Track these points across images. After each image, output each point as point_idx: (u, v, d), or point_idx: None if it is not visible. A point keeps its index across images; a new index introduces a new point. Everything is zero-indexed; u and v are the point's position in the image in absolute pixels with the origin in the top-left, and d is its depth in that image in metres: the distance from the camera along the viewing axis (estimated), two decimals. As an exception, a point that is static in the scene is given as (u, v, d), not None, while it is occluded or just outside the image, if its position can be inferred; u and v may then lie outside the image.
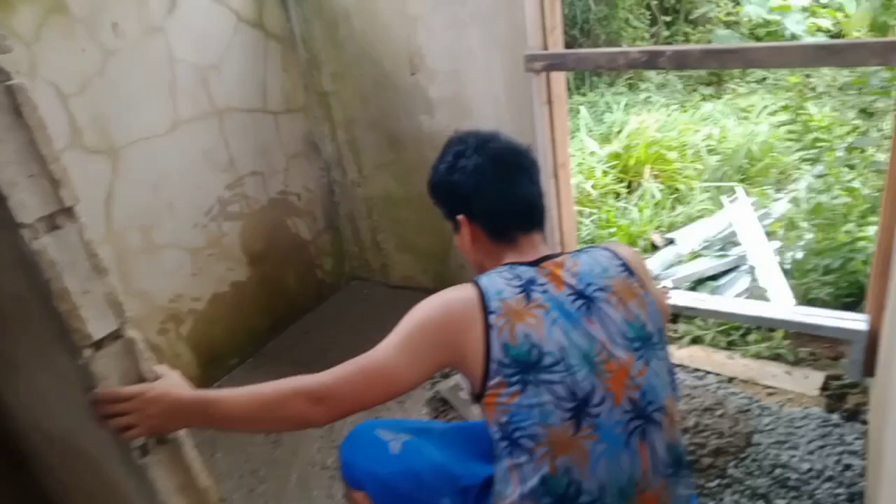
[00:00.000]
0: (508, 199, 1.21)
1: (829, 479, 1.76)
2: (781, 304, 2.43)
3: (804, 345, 2.30)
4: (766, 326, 2.32)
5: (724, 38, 4.86)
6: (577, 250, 1.22)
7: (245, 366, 2.68)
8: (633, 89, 5.45)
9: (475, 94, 2.39)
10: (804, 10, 4.51)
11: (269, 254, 2.75)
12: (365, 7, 2.48)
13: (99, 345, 1.04)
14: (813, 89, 3.76)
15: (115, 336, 1.06)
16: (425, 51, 2.42)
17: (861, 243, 2.57)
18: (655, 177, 3.81)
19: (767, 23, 4.71)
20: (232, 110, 2.50)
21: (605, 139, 4.29)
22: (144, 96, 2.19)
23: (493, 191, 1.21)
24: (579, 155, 3.99)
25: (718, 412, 1.99)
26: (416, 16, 2.37)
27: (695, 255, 3.04)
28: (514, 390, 1.05)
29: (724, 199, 3.39)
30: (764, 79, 5.38)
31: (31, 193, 0.95)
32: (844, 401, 2.04)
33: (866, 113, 3.79)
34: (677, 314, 2.46)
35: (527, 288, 1.10)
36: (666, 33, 6.06)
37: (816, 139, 2.80)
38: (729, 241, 3.09)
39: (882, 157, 3.20)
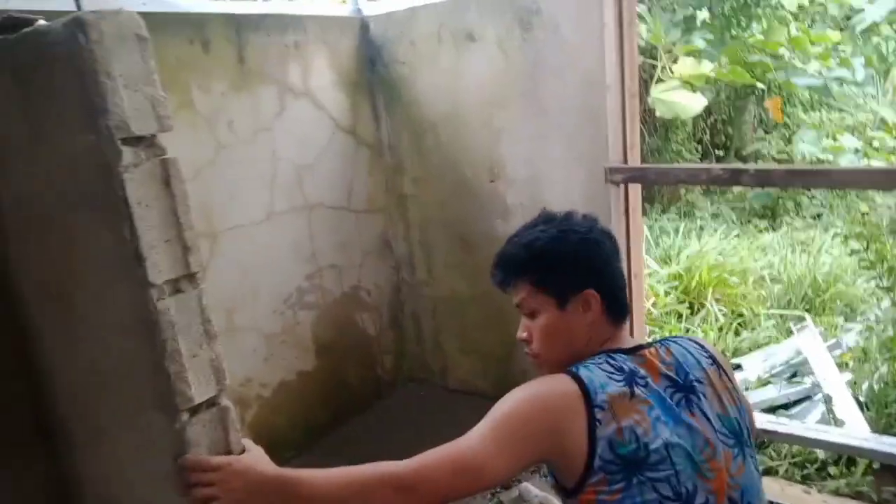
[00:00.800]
0: (625, 278, 1.23)
1: None
2: (867, 433, 2.31)
3: (887, 483, 2.16)
4: (850, 455, 2.19)
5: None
6: (665, 339, 1.20)
7: (299, 460, 2.63)
8: (687, 216, 5.56)
9: (552, 201, 2.48)
10: (856, 151, 4.64)
11: (336, 346, 2.79)
12: (452, 119, 2.68)
13: (196, 409, 1.05)
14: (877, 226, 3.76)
15: (212, 403, 1.08)
16: (506, 160, 2.57)
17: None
18: (717, 300, 3.79)
19: (820, 161, 4.83)
20: (320, 206, 2.66)
21: (664, 261, 4.33)
22: (247, 187, 2.37)
23: (618, 267, 1.23)
24: (639, 274, 4.02)
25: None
26: (501, 128, 2.54)
27: (763, 382, 2.95)
28: (618, 487, 1.02)
29: (792, 326, 3.33)
30: (819, 215, 5.43)
31: (165, 256, 1.01)
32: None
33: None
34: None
35: (630, 381, 1.08)
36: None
37: (891, 268, 2.80)
38: (798, 370, 3.01)
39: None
